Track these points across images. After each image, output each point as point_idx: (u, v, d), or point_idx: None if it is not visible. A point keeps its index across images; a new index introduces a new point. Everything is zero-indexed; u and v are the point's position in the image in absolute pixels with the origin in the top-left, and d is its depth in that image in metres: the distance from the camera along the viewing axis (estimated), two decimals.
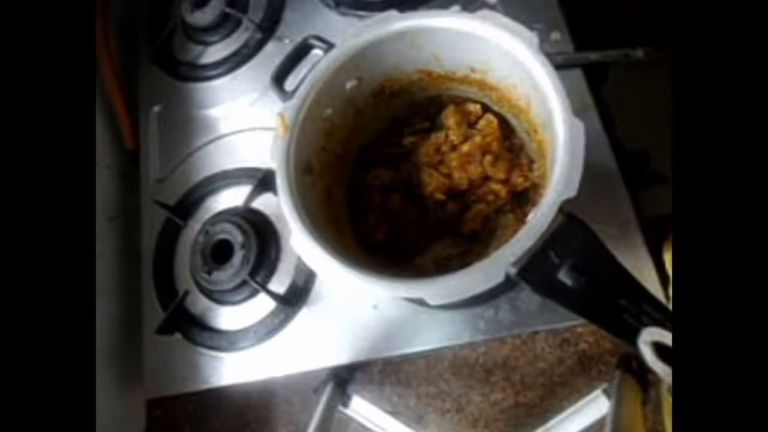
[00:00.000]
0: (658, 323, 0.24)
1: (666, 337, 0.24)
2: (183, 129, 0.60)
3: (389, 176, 0.43)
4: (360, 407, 0.53)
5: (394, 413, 0.53)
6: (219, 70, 0.60)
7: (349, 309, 0.48)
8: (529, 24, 0.50)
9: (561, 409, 0.51)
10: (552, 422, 0.50)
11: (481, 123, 0.42)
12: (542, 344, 0.52)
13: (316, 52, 0.42)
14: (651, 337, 0.24)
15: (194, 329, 0.51)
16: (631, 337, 0.24)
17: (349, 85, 0.40)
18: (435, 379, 0.53)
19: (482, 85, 0.40)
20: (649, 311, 0.24)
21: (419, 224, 0.42)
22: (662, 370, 0.24)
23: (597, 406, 0.49)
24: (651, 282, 0.41)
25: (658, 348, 0.24)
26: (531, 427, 0.51)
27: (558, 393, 0.51)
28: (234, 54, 0.60)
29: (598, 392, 0.50)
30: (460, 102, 0.43)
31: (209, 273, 0.50)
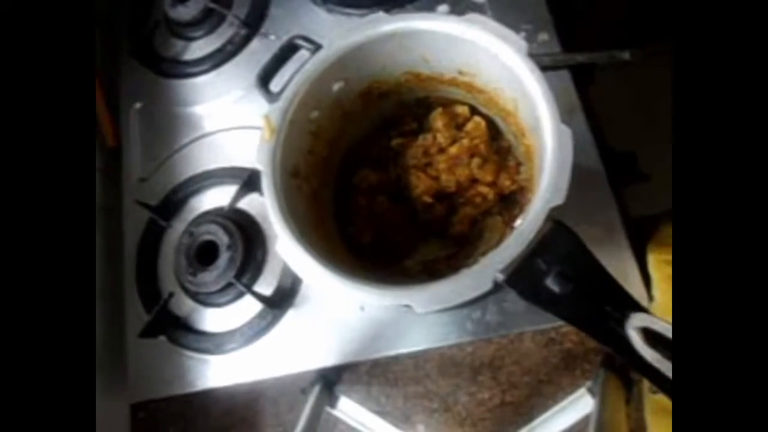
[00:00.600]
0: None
1: (655, 323, 0.24)
2: (166, 127, 0.59)
3: (376, 178, 0.43)
4: (347, 408, 0.53)
5: (381, 413, 0.53)
6: (203, 67, 0.58)
7: (336, 311, 0.47)
8: (517, 25, 0.51)
9: (546, 408, 0.51)
10: (537, 421, 0.51)
11: (469, 125, 0.41)
12: (528, 344, 0.53)
13: (303, 53, 0.41)
14: (641, 323, 0.24)
15: (179, 332, 0.50)
16: (617, 344, 0.25)
17: (336, 86, 0.40)
18: (422, 379, 0.54)
19: (470, 87, 0.40)
20: None
21: (407, 227, 0.42)
22: (651, 356, 0.24)
23: (581, 404, 0.50)
24: (635, 284, 0.42)
25: (647, 334, 0.24)
26: (517, 426, 0.51)
27: (544, 392, 0.52)
28: (218, 50, 0.58)
29: (582, 390, 0.51)
30: (448, 104, 0.43)
31: (194, 275, 0.49)
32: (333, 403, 0.53)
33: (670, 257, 0.41)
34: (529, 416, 0.51)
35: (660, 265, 0.41)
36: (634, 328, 0.25)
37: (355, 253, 0.42)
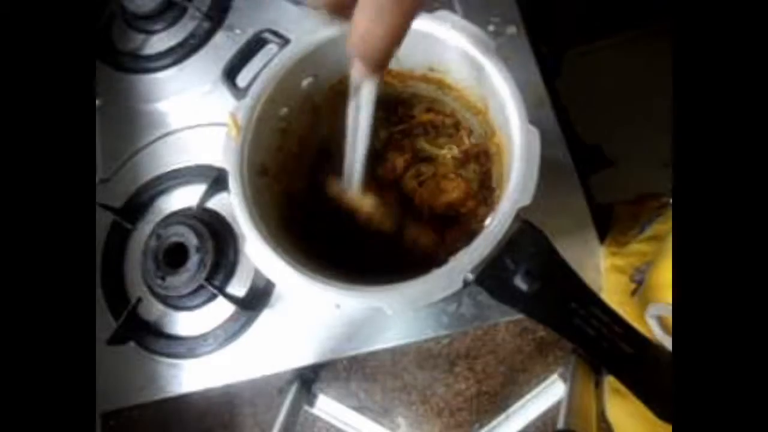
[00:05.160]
0: (605, 326, 0.25)
1: (670, 311, 0.25)
2: (128, 124, 0.56)
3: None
4: (326, 405, 0.53)
5: (360, 409, 0.54)
6: (165, 61, 0.56)
7: (312, 310, 0.47)
8: (485, 18, 0.51)
9: (521, 395, 0.53)
10: (512, 408, 0.52)
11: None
12: (503, 333, 0.54)
13: (270, 47, 0.40)
14: (657, 312, 0.25)
15: (149, 337, 0.49)
16: (582, 340, 0.25)
17: (306, 82, 0.39)
18: (400, 373, 0.54)
19: (441, 84, 0.39)
20: (598, 314, 0.25)
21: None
22: (669, 343, 0.25)
23: (554, 390, 0.52)
24: (600, 276, 0.43)
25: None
26: (493, 414, 0.53)
27: (518, 380, 0.53)
28: (180, 44, 0.56)
29: (554, 377, 0.52)
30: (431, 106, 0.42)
31: (163, 278, 0.48)
32: (311, 401, 0.53)
33: (615, 249, 0.42)
34: (504, 404, 0.52)
35: (607, 256, 0.43)
36: (651, 316, 0.25)
37: (331, 245, 0.41)
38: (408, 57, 0.38)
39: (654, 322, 0.25)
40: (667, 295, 0.29)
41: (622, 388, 0.26)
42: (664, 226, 0.40)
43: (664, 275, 0.31)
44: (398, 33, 0.22)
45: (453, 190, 0.39)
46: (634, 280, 0.37)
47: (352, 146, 0.33)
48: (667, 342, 0.25)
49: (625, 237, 0.44)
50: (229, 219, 0.51)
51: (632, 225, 0.44)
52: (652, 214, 0.44)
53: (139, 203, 0.52)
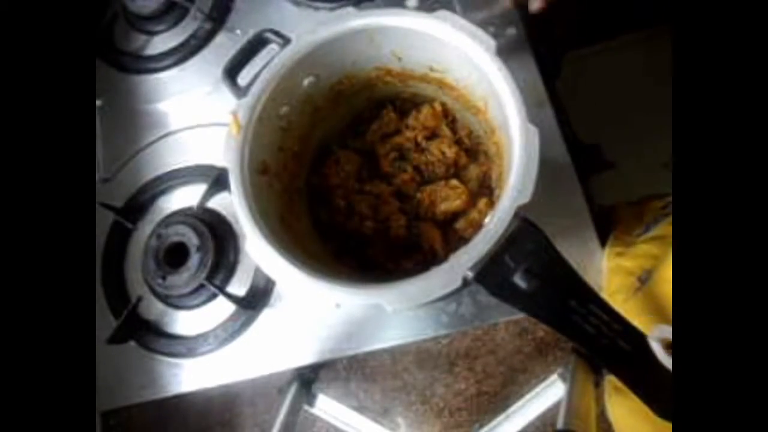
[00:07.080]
0: (604, 324, 0.25)
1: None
2: (129, 124, 0.57)
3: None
4: (326, 405, 0.53)
5: (360, 409, 0.54)
6: (166, 62, 0.56)
7: (312, 309, 0.47)
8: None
9: (521, 395, 0.53)
10: (512, 408, 0.53)
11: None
12: (502, 334, 0.54)
13: (272, 47, 0.40)
14: (661, 334, 0.25)
15: (150, 336, 0.49)
16: (580, 337, 0.25)
17: (306, 82, 0.39)
18: (400, 373, 0.54)
19: (441, 83, 0.40)
20: (597, 312, 0.25)
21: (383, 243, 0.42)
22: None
23: (553, 390, 0.52)
24: (601, 276, 0.43)
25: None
26: (493, 414, 0.53)
27: (518, 379, 0.53)
28: (182, 45, 0.56)
29: (554, 377, 0.53)
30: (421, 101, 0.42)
31: (164, 278, 0.48)
32: (311, 401, 0.53)
33: (621, 249, 0.42)
34: (504, 404, 0.52)
35: (611, 256, 0.43)
36: (655, 339, 0.25)
37: (332, 244, 0.41)
38: (409, 57, 0.38)
39: (657, 345, 0.25)
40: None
41: (623, 387, 0.26)
42: (671, 226, 0.40)
43: (670, 271, 0.31)
44: None
45: (454, 199, 0.39)
46: (641, 280, 0.37)
47: None
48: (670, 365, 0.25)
49: (630, 237, 0.44)
50: (229, 218, 0.51)
51: (636, 225, 0.44)
52: (657, 214, 0.44)
53: (140, 203, 0.53)
